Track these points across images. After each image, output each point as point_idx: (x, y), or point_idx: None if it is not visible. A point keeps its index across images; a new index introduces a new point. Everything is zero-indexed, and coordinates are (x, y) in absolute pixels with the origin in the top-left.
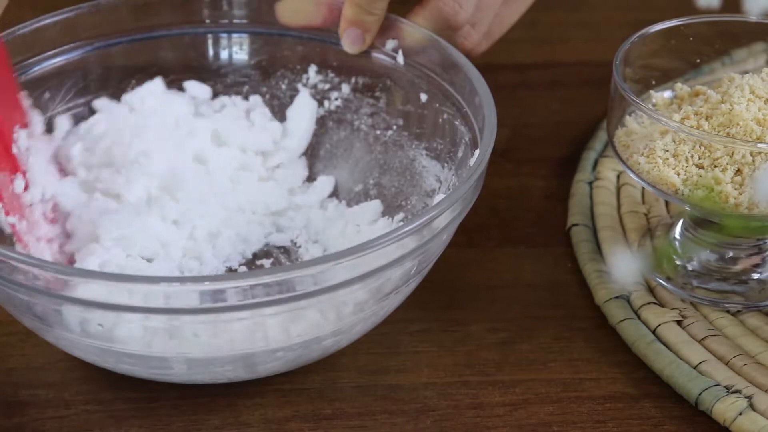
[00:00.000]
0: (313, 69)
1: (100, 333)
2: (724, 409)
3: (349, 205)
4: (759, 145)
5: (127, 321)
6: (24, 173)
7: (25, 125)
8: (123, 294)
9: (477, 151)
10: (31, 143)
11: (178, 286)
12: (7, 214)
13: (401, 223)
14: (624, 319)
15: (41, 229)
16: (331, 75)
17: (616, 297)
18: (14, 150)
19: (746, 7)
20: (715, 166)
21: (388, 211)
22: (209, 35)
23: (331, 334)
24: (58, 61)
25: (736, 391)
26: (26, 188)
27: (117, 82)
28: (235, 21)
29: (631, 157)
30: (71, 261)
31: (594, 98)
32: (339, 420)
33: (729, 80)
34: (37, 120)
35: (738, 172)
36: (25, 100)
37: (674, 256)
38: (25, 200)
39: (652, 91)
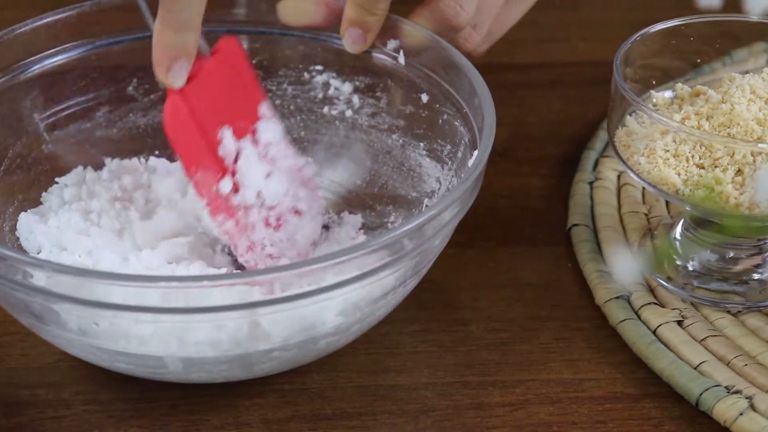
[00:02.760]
0: (314, 69)
1: (96, 331)
2: (725, 409)
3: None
4: (759, 145)
5: (123, 320)
6: (233, 174)
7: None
8: (119, 293)
9: (476, 152)
10: (243, 145)
11: (175, 285)
12: (212, 215)
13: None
14: (624, 320)
15: (257, 234)
16: (332, 75)
17: (617, 297)
18: (221, 152)
19: (747, 7)
20: (716, 166)
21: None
22: (209, 35)
23: (328, 334)
24: (58, 60)
25: (736, 392)
26: (236, 190)
27: (117, 81)
28: (236, 20)
29: (632, 157)
30: None
31: (594, 98)
32: (339, 420)
33: (730, 80)
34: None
35: (738, 172)
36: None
37: (675, 257)
38: (235, 202)
39: (652, 91)
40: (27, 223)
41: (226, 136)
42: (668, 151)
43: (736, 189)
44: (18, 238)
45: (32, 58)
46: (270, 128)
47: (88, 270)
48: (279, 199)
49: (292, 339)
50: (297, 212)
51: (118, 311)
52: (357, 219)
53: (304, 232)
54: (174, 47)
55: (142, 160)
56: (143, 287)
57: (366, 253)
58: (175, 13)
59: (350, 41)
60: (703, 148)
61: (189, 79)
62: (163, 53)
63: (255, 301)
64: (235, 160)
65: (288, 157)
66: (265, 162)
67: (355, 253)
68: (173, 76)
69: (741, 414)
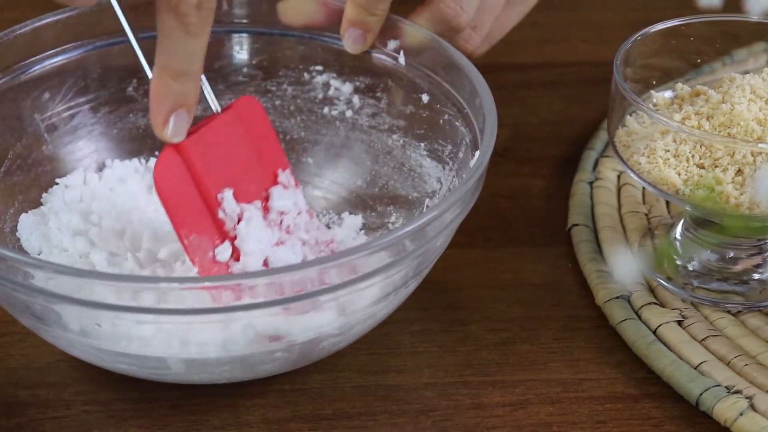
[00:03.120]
0: (314, 69)
1: (97, 332)
2: (725, 409)
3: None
4: (760, 145)
5: (124, 321)
6: (232, 240)
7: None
8: (120, 294)
9: (477, 153)
10: (247, 209)
11: (176, 286)
12: None
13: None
14: (624, 320)
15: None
16: (333, 75)
17: (617, 297)
18: (221, 215)
19: (747, 7)
20: (716, 166)
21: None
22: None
23: (330, 335)
24: (58, 61)
25: (736, 392)
26: (236, 258)
27: (117, 82)
28: (236, 21)
29: (632, 157)
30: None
31: (594, 98)
32: (339, 420)
33: (730, 80)
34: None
35: (739, 172)
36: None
37: (675, 257)
38: (235, 269)
39: (652, 91)
40: (27, 224)
41: (227, 197)
42: (668, 151)
43: (736, 189)
44: (19, 239)
45: (32, 59)
46: (287, 196)
47: (89, 271)
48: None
49: (294, 340)
50: None
51: (119, 312)
52: (357, 219)
53: None
54: (172, 97)
55: (143, 160)
56: (144, 288)
57: (368, 254)
58: (174, 59)
59: (350, 41)
60: (704, 148)
61: (190, 134)
62: (160, 103)
63: (256, 302)
64: (237, 225)
65: (312, 230)
66: (278, 230)
67: (357, 254)
68: (171, 130)
69: (741, 414)
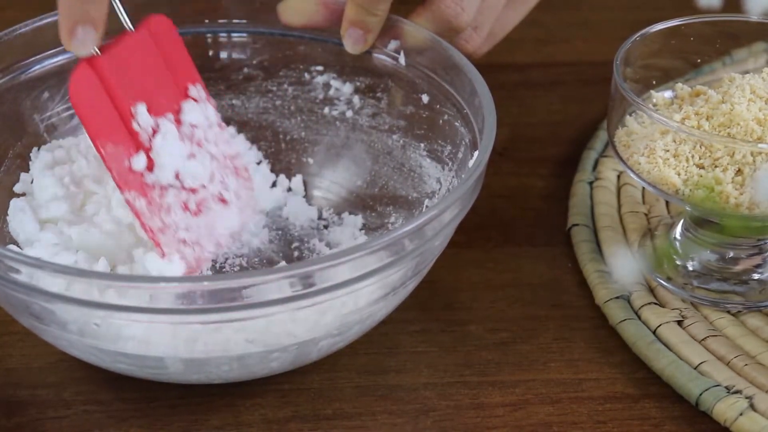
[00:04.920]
0: (314, 69)
1: (96, 332)
2: (725, 409)
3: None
4: (759, 145)
5: (124, 321)
6: (147, 151)
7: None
8: (119, 294)
9: (476, 153)
10: (161, 122)
11: (175, 286)
12: (120, 190)
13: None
14: (624, 320)
15: (172, 216)
16: (333, 75)
17: (617, 297)
18: (134, 126)
19: (747, 7)
20: (716, 166)
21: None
22: (209, 35)
23: (328, 335)
24: (58, 61)
25: (736, 392)
26: (150, 168)
27: None
28: (236, 21)
29: (632, 157)
30: (197, 260)
31: (594, 98)
32: (339, 420)
33: (729, 80)
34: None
35: (738, 172)
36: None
37: (674, 257)
38: (149, 180)
39: (652, 91)
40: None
41: (141, 111)
42: (668, 151)
43: (736, 189)
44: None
45: (32, 59)
46: (199, 110)
47: (88, 271)
48: (201, 182)
49: (292, 340)
50: (222, 200)
51: (117, 312)
52: (357, 219)
53: (225, 222)
54: (75, 12)
55: None
56: (144, 288)
57: (367, 253)
58: None
59: (350, 42)
60: (703, 148)
61: (103, 51)
62: (66, 19)
63: (254, 302)
64: (152, 138)
65: (221, 143)
66: (190, 143)
67: (356, 253)
68: (77, 42)
69: (741, 414)
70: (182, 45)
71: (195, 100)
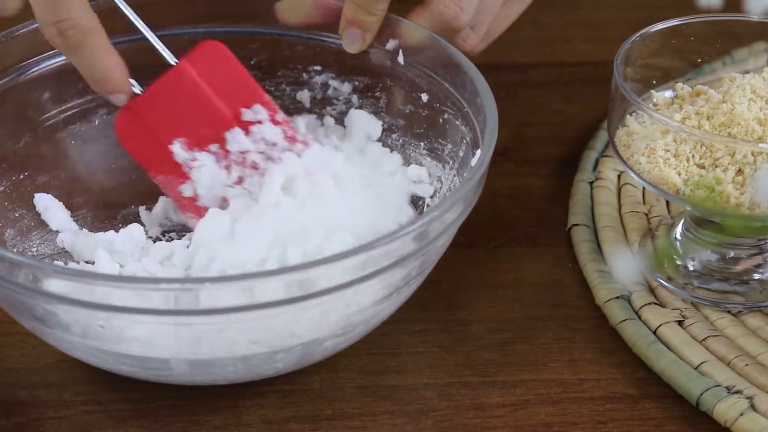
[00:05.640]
0: (313, 69)
1: (100, 334)
2: (726, 409)
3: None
4: (760, 145)
5: (128, 322)
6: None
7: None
8: (123, 295)
9: (478, 152)
10: (197, 155)
11: (178, 287)
12: (182, 212)
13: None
14: (625, 320)
15: None
16: (332, 75)
17: (617, 297)
18: (177, 159)
19: (747, 7)
20: (716, 166)
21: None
22: (208, 35)
23: (332, 335)
24: (58, 61)
25: (737, 392)
26: (196, 198)
27: None
28: (235, 21)
29: (632, 156)
30: None
31: (595, 98)
32: (339, 420)
33: (730, 80)
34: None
35: (739, 172)
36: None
37: (675, 257)
38: (201, 203)
39: (653, 91)
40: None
41: (176, 149)
42: (669, 150)
43: (736, 189)
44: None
45: (32, 60)
46: (244, 137)
47: (91, 272)
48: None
49: (297, 340)
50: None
51: (122, 313)
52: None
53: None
54: (99, 79)
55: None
56: (147, 289)
57: (371, 253)
58: (87, 71)
59: (349, 41)
60: (704, 148)
61: (145, 90)
62: (90, 79)
63: (259, 303)
64: (191, 170)
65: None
66: (240, 168)
67: (360, 253)
68: (110, 99)
69: (741, 414)
70: (239, 68)
71: (248, 124)
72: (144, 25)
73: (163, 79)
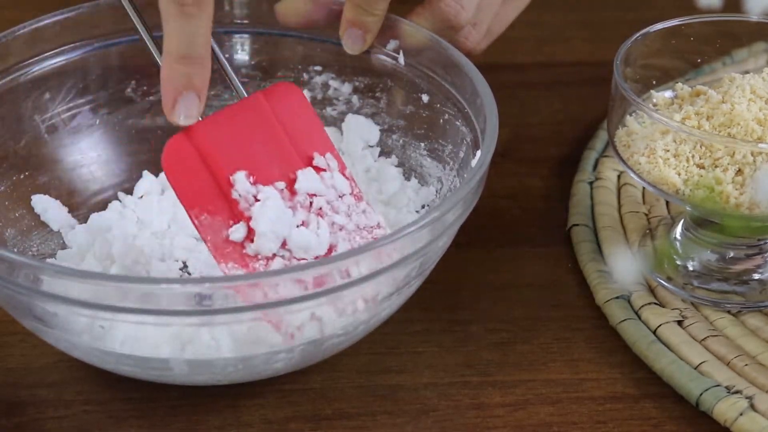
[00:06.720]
0: (313, 69)
1: (101, 334)
2: (725, 409)
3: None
4: (760, 145)
5: (129, 322)
6: (247, 221)
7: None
8: (124, 295)
9: (479, 152)
10: (262, 189)
11: (178, 288)
12: (217, 262)
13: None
14: (624, 320)
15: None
16: (332, 75)
17: (617, 297)
18: (234, 195)
19: (747, 7)
20: (716, 166)
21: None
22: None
23: (333, 336)
24: (58, 61)
25: (737, 392)
26: (251, 239)
27: (117, 82)
28: (236, 21)
29: (632, 156)
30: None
31: (594, 98)
32: (339, 420)
33: (730, 80)
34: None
35: (739, 172)
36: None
37: (675, 257)
38: (250, 250)
39: (652, 91)
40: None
41: (239, 178)
42: (668, 151)
43: (736, 189)
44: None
45: (32, 60)
46: (319, 179)
47: (92, 273)
48: (315, 253)
49: (297, 341)
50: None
51: (123, 314)
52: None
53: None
54: (178, 79)
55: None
56: (148, 289)
57: (372, 254)
58: (176, 43)
59: (349, 42)
60: (704, 148)
61: (210, 117)
62: (167, 87)
63: (260, 303)
64: (252, 206)
65: (354, 214)
66: (306, 212)
67: (360, 254)
68: (180, 112)
69: (741, 414)
70: (312, 113)
71: (319, 169)
72: (144, 28)
73: (233, 107)
